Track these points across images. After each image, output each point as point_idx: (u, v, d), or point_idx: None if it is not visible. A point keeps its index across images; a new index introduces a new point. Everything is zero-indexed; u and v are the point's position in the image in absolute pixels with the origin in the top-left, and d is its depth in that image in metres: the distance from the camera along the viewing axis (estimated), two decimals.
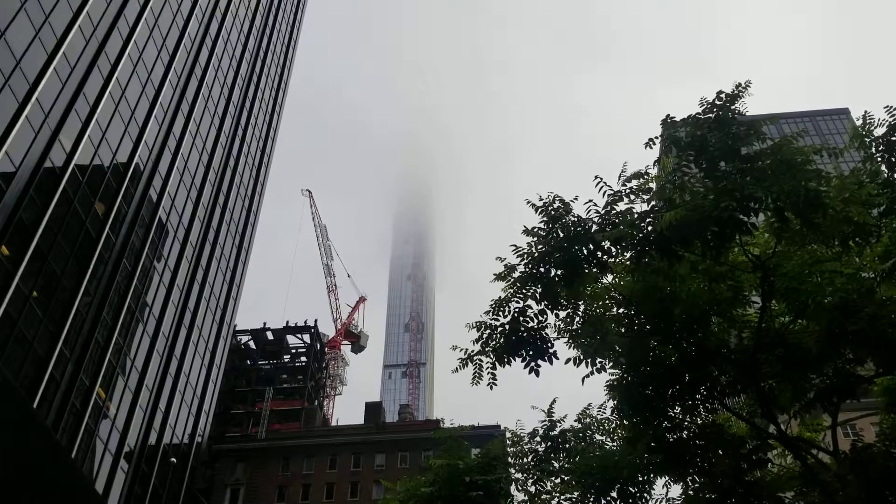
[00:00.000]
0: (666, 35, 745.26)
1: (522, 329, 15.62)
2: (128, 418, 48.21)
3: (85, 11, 42.40)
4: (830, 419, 18.09)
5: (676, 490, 18.99)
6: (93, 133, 43.26)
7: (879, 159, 16.24)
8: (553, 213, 15.34)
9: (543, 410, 20.67)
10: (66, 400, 39.83)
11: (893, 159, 15.90)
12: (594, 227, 14.87)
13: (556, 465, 20.06)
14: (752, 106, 15.08)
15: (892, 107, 15.83)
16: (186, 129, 58.26)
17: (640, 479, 17.80)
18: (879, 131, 16.18)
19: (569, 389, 20.44)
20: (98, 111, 43.70)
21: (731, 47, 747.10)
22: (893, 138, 15.77)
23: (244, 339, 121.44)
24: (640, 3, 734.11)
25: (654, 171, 15.38)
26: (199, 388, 62.05)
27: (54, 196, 38.82)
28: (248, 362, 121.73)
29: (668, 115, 15.37)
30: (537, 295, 15.56)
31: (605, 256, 14.97)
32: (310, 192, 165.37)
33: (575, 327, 17.28)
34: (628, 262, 15.89)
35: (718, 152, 14.35)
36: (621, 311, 17.43)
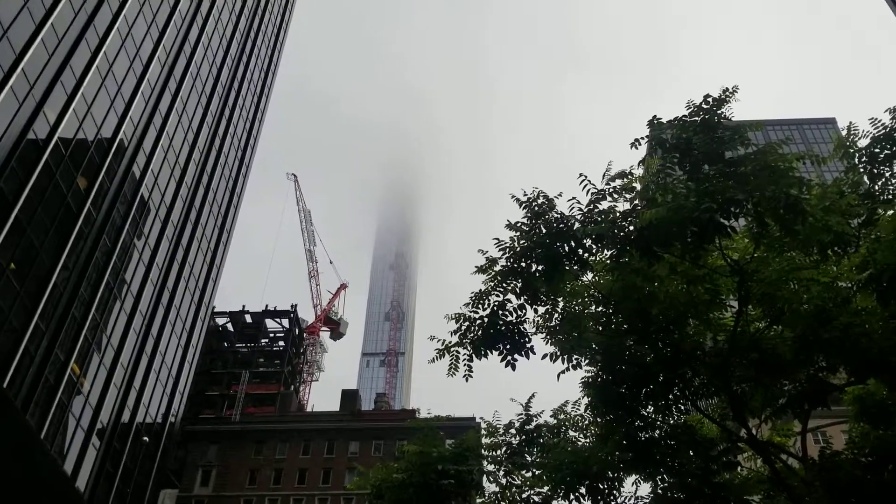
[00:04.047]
0: (648, 49, 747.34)
1: (501, 323, 15.67)
2: (101, 395, 47.86)
3: None
4: (801, 425, 18.30)
5: (645, 489, 19.14)
6: (78, 107, 42.79)
7: (862, 170, 16.40)
8: (536, 208, 15.37)
9: (521, 404, 20.81)
10: (39, 374, 39.47)
11: (875, 171, 16.07)
12: (577, 225, 14.93)
13: (528, 458, 20.19)
14: (735, 116, 15.19)
15: (876, 119, 15.99)
16: (173, 107, 57.71)
17: (610, 476, 17.93)
18: (863, 142, 16.35)
19: (549, 385, 20.54)
20: (84, 85, 43.21)
21: (713, 62, 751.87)
22: (876, 150, 15.93)
23: (222, 321, 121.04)
24: (622, 19, 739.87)
25: (638, 172, 15.44)
26: (175, 368, 61.69)
27: (36, 168, 38.37)
28: (226, 345, 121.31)
29: (655, 117, 15.43)
30: (517, 289, 15.62)
31: (585, 254, 15.03)
32: (295, 176, 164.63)
33: (553, 323, 17.39)
34: (609, 261, 15.98)
35: (702, 155, 14.43)
36: (600, 309, 17.54)
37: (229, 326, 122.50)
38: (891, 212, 15.33)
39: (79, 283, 43.59)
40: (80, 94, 42.74)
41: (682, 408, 18.33)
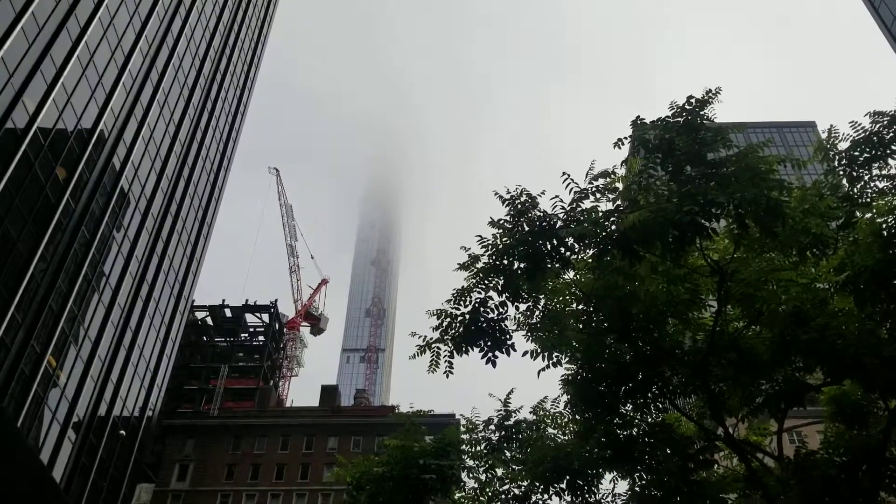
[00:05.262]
0: (633, 50, 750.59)
1: (482, 319, 15.70)
2: (78, 388, 47.44)
3: None
4: (777, 425, 18.49)
5: (623, 486, 19.29)
6: (58, 96, 42.33)
7: (841, 173, 16.58)
8: (519, 206, 15.40)
9: (500, 400, 20.88)
10: (15, 366, 39.05)
11: (854, 174, 16.24)
12: (559, 223, 14.97)
13: (507, 454, 20.28)
14: (718, 118, 15.28)
15: (856, 122, 16.16)
16: (154, 99, 57.25)
17: (590, 472, 18.03)
18: (843, 145, 16.52)
19: (529, 382, 20.64)
20: (64, 75, 42.74)
21: (698, 63, 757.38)
22: (856, 153, 16.10)
23: (202, 315, 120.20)
24: (608, 28, 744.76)
25: (621, 171, 15.51)
26: (153, 361, 61.25)
27: (14, 158, 37.92)
28: (205, 339, 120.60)
29: (638, 117, 15.51)
30: (499, 286, 15.64)
31: (567, 253, 15.06)
32: (277, 170, 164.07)
33: (534, 321, 17.45)
34: (590, 260, 16.05)
35: (685, 156, 14.51)
36: (580, 307, 17.63)
37: (209, 320, 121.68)
38: (869, 215, 15.49)
39: (56, 274, 43.17)
40: (60, 83, 42.29)
41: (661, 406, 18.45)
